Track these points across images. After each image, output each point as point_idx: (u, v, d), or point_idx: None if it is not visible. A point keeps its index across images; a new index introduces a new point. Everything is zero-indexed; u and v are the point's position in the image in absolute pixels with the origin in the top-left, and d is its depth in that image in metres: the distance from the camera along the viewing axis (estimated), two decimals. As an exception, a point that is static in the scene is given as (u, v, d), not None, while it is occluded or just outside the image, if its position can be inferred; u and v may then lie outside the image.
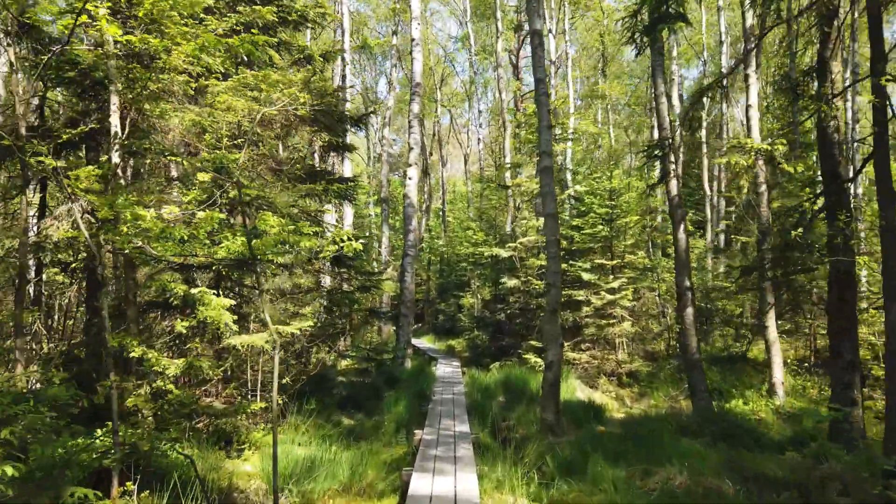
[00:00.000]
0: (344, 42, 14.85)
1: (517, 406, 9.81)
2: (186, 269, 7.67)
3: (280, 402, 7.74)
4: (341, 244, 5.76)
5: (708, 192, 19.28)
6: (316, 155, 16.73)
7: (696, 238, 17.37)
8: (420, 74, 13.27)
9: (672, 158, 8.07)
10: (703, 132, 19.38)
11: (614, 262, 11.00)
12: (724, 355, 13.55)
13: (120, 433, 5.24)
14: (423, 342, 22.80)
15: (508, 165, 13.38)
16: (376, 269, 12.29)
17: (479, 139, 25.50)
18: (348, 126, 10.37)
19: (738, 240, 16.29)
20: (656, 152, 7.55)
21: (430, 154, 37.19)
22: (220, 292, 7.92)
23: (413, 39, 13.14)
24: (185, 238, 5.09)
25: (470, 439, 6.95)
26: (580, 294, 11.16)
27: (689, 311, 8.00)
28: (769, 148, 5.30)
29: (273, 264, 7.23)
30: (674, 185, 8.24)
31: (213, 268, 7.56)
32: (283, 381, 7.73)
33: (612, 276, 11.05)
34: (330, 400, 9.38)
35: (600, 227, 11.29)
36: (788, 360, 11.95)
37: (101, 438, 4.94)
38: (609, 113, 27.01)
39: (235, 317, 6.80)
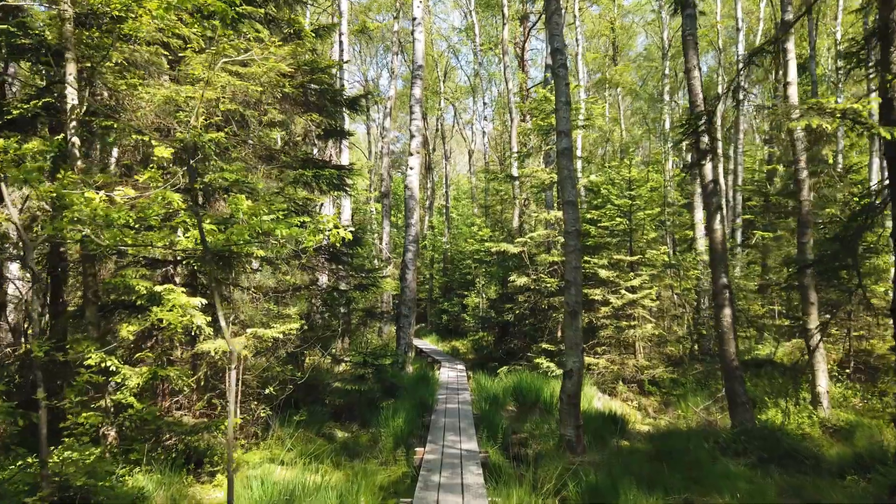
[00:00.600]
0: (341, 25, 13.92)
1: (529, 416, 8.88)
2: (157, 264, 6.76)
3: (263, 414, 6.83)
4: (326, 233, 4.84)
5: (722, 186, 18.27)
6: (315, 147, 15.86)
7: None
8: (422, 56, 12.34)
9: (706, 138, 7.10)
10: (718, 123, 18.34)
11: (634, 258, 10.03)
12: (747, 359, 12.58)
13: (59, 458, 4.34)
14: (427, 343, 21.90)
15: (516, 154, 12.41)
16: (377, 266, 11.35)
17: (483, 132, 24.55)
18: (344, 109, 9.44)
19: (757, 235, 15.33)
20: (696, 125, 6.57)
21: (434, 150, 36.27)
22: (199, 290, 7.02)
23: (415, 18, 12.21)
24: (131, 223, 4.16)
25: (478, 460, 6.02)
26: (596, 293, 10.21)
27: (727, 312, 7.04)
28: (859, 107, 4.37)
29: (253, 258, 6.31)
30: (709, 169, 7.28)
31: (185, 262, 6.65)
32: (267, 390, 6.81)
33: (632, 274, 10.08)
34: (323, 409, 8.47)
35: (619, 219, 10.33)
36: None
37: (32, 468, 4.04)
38: (619, 105, 25.98)
39: (209, 318, 5.90)
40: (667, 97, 23.15)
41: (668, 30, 22.27)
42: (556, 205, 12.82)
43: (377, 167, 23.66)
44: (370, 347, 10.38)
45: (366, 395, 8.80)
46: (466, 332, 20.94)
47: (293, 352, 8.15)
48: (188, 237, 4.99)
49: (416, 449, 6.50)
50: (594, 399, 9.46)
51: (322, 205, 16.06)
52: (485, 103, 25.31)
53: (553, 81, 7.04)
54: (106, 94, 7.29)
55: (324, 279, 11.09)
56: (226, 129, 8.43)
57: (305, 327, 7.17)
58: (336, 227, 4.59)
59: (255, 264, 7.28)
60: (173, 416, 6.28)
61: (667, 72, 23.22)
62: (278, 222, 4.66)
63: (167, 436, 5.93)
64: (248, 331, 5.90)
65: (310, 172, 7.65)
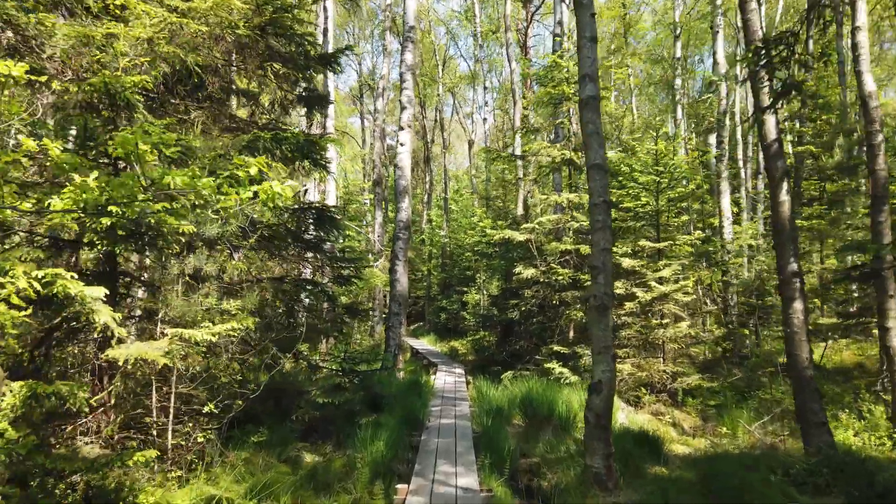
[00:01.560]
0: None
1: (541, 434, 7.35)
2: (61, 247, 5.24)
3: (201, 438, 5.30)
4: (251, 191, 3.31)
5: (742, 174, 16.70)
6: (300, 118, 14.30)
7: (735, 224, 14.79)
8: (414, 16, 10.80)
9: (767, 79, 5.56)
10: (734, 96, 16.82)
11: (662, 244, 8.49)
12: (784, 362, 11.04)
13: None
14: (423, 343, 20.40)
15: (521, 128, 10.80)
16: (360, 256, 9.82)
17: (484, 119, 23.00)
18: (318, 65, 7.90)
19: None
20: (777, 50, 4.97)
21: (432, 141, 34.75)
22: (113, 279, 5.50)
23: (406, -28, 10.67)
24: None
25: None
26: (618, 286, 8.68)
27: (798, 307, 5.51)
28: None
29: (182, 235, 4.78)
30: (772, 124, 5.75)
31: (99, 244, 5.12)
32: (207, 408, 5.29)
33: (660, 263, 8.53)
34: (289, 427, 6.96)
35: (644, 198, 8.79)
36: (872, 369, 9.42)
37: None
38: (633, 96, 24.42)
39: (119, 314, 4.38)
40: (678, 81, 21.60)
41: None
42: (566, 187, 11.30)
43: (370, 154, 22.11)
44: (353, 350, 8.85)
45: (344, 407, 7.27)
46: (466, 332, 19.45)
47: (265, 356, 6.65)
48: (63, 196, 3.45)
49: (398, 486, 4.98)
50: (618, 412, 7.93)
51: (306, 191, 14.56)
52: (485, 88, 23.76)
53: (575, 12, 5.49)
54: (10, 33, 5.78)
55: (307, 272, 9.57)
56: (179, 88, 6.94)
57: (254, 327, 5.63)
58: (262, 179, 3.08)
59: (209, 255, 5.74)
60: (73, 444, 4.75)
61: (678, 55, 21.70)
62: (194, 178, 3.14)
63: (62, 472, 4.42)
64: (169, 332, 4.38)
65: (267, 135, 6.12)
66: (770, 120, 5.74)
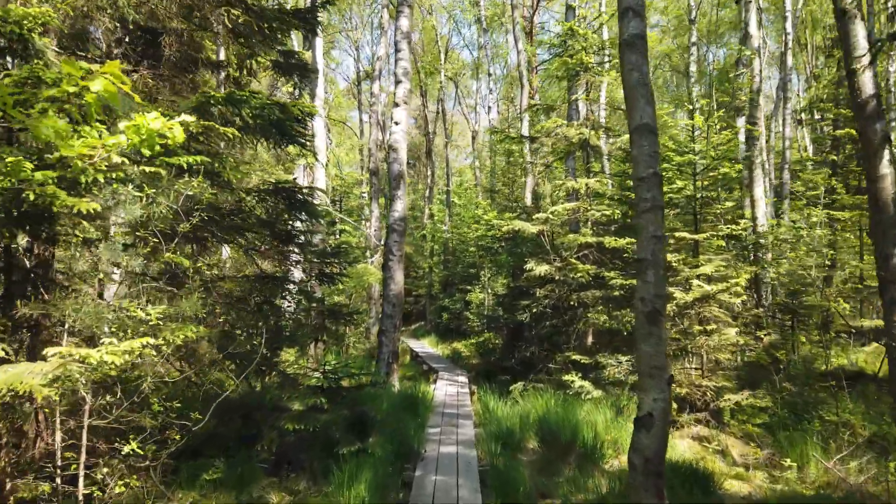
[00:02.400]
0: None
1: (562, 466, 6.06)
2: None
3: (120, 489, 4.02)
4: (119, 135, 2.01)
5: (764, 158, 15.29)
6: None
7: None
8: (410, -25, 9.47)
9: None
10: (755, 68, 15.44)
11: (701, 235, 7.14)
12: (821, 370, 9.70)
13: None
14: (424, 345, 19.14)
15: (533, 108, 9.35)
16: (344, 250, 8.53)
17: (489, 108, 21.68)
18: (293, 21, 6.60)
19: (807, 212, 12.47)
20: None
21: (434, 134, 33.42)
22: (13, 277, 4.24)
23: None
24: None
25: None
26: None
27: (907, 311, 4.22)
28: None
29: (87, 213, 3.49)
30: (868, 78, 4.44)
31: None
32: (127, 448, 4.01)
33: (702, 258, 7.19)
34: (256, 456, 5.70)
35: (680, 182, 7.46)
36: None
37: None
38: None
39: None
40: (693, 67, 20.23)
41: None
42: (583, 173, 9.97)
43: (367, 144, 20.79)
44: (338, 361, 7.57)
45: (322, 432, 5.99)
46: (469, 333, 18.18)
47: (219, 371, 5.40)
48: None
49: (379, 558, 3.70)
50: (652, 435, 6.62)
51: (295, 179, 13.28)
52: (489, 75, 22.42)
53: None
54: None
55: (298, 274, 8.29)
56: (129, 49, 5.70)
57: (203, 337, 4.36)
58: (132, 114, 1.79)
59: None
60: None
61: (693, 39, 20.32)
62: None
63: None
64: (52, 354, 3.10)
65: (220, 94, 4.83)
66: (866, 74, 4.43)
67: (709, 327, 6.64)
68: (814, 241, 10.00)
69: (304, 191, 5.54)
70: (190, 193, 4.23)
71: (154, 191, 3.79)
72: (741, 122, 12.99)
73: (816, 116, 22.09)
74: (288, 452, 6.02)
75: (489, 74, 22.25)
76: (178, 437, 4.23)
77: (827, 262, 11.44)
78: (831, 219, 12.45)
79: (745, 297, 7.78)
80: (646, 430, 3.88)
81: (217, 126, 4.50)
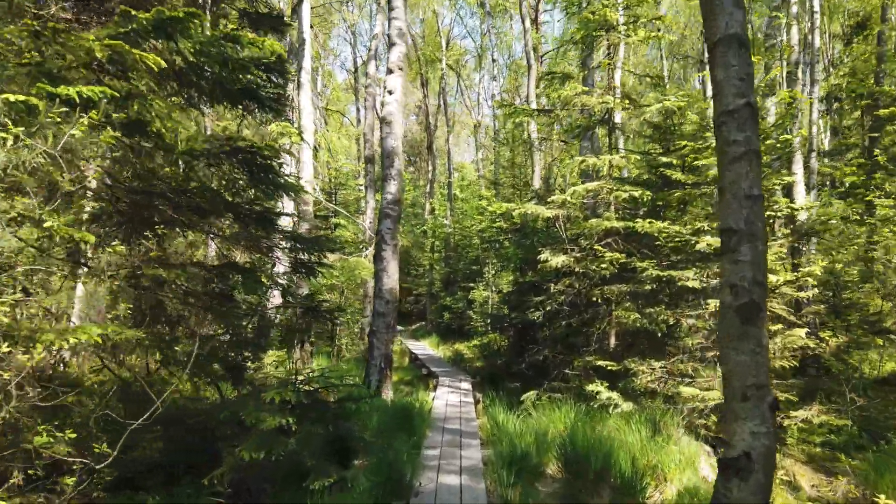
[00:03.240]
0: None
1: (593, 499, 4.84)
2: None
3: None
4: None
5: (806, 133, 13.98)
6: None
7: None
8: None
9: None
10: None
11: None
12: (870, 376, 8.45)
13: None
14: (424, 346, 17.93)
15: (553, 74, 8.09)
16: (319, 235, 7.31)
17: (493, 95, 20.45)
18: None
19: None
20: None
21: (435, 126, 32.22)
22: None
23: None
24: None
25: None
26: (689, 276, 6.12)
27: None
28: None
29: None
30: None
31: None
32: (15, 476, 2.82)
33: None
34: (204, 491, 4.50)
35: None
36: None
37: None
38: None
39: None
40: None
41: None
42: (608, 148, 8.74)
43: (362, 130, 19.58)
44: (315, 370, 6.35)
45: (288, 460, 4.78)
46: (472, 334, 16.98)
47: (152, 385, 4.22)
48: None
49: None
50: (698, 461, 5.41)
51: (282, 164, 12.07)
52: (493, 60, 21.22)
53: None
54: None
55: (281, 268, 7.09)
56: None
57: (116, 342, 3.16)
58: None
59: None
60: None
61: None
62: None
63: None
64: None
65: (146, 16, 3.62)
66: None
67: (772, 327, 5.43)
68: (866, 233, 8.75)
69: (266, 153, 4.34)
70: (93, 143, 3.03)
71: (23, 128, 2.59)
72: (771, 100, 11.74)
73: (835, 106, 20.97)
74: (247, 482, 4.83)
75: (493, 61, 21.03)
76: (68, 482, 3.02)
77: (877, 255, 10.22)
78: (871, 207, 11.23)
79: (814, 293, 6.53)
80: (739, 479, 2.65)
81: (130, 48, 3.28)
